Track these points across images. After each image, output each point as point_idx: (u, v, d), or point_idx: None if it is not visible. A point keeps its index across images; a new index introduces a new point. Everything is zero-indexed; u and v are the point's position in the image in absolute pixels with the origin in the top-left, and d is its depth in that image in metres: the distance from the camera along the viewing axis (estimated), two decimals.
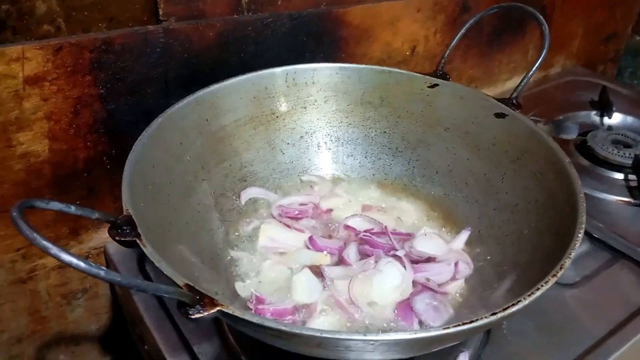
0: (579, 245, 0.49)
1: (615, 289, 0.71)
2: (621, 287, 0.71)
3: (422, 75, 0.74)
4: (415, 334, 0.40)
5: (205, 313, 0.41)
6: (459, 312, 0.58)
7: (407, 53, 0.93)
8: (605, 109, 1.03)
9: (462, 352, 0.61)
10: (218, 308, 0.41)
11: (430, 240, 0.66)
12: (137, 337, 0.74)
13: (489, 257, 0.63)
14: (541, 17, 0.67)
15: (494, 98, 0.70)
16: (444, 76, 0.74)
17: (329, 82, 0.76)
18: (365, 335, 0.40)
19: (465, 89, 0.72)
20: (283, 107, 0.75)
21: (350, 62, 0.78)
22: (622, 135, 0.96)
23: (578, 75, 1.18)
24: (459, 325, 0.41)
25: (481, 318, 0.41)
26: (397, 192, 0.76)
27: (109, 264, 0.74)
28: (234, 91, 0.71)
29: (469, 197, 0.70)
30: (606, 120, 1.03)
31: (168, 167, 0.62)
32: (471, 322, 0.41)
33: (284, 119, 0.76)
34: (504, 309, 0.42)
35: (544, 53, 0.68)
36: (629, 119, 1.03)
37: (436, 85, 0.74)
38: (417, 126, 0.76)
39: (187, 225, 0.62)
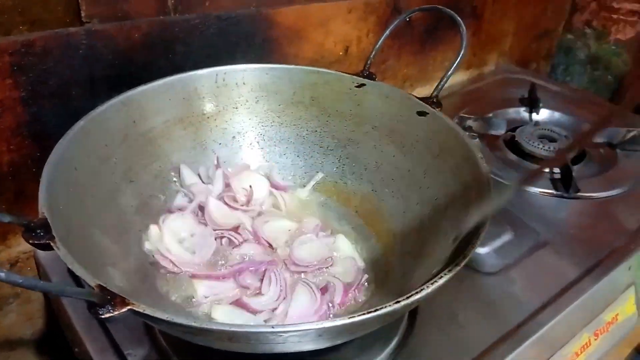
0: (483, 235, 0.51)
1: (537, 275, 0.74)
2: (542, 273, 0.75)
3: (349, 75, 0.76)
4: (322, 323, 0.42)
5: (116, 312, 0.42)
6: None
7: (340, 53, 0.95)
8: (533, 106, 1.08)
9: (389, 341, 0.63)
10: (129, 307, 0.42)
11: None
12: (69, 340, 0.73)
13: (410, 250, 0.66)
14: (458, 19, 0.69)
15: (416, 97, 0.72)
16: (371, 76, 0.76)
17: (260, 82, 0.77)
18: (273, 327, 0.42)
19: (390, 88, 0.74)
20: (214, 107, 0.76)
21: (284, 63, 0.79)
22: (548, 130, 1.00)
23: (511, 73, 1.23)
24: (363, 314, 0.43)
25: (386, 306, 0.43)
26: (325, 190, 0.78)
27: (39, 268, 0.74)
28: (163, 92, 0.71)
29: (394, 192, 0.72)
30: (534, 116, 1.08)
31: (93, 169, 0.62)
32: (375, 310, 0.43)
33: (215, 119, 0.77)
34: (408, 297, 0.44)
35: (461, 53, 0.70)
36: (556, 115, 1.08)
37: (363, 84, 0.76)
38: (347, 125, 0.78)
39: (113, 227, 0.62)
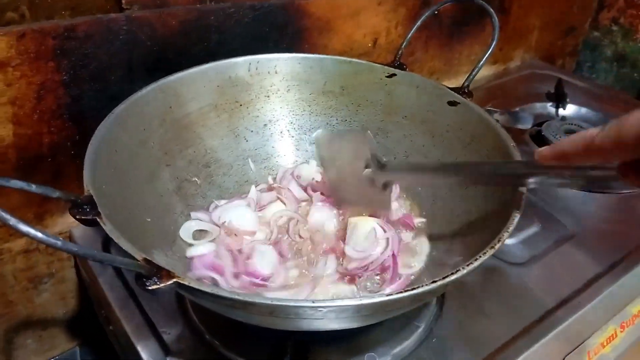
0: (516, 221, 0.52)
1: (564, 267, 0.75)
2: (569, 265, 0.75)
3: (380, 65, 0.77)
4: (361, 300, 0.43)
5: (162, 284, 0.43)
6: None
7: (369, 45, 0.96)
8: (560, 101, 1.08)
9: (416, 326, 0.64)
10: (174, 280, 0.43)
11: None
12: (103, 318, 0.75)
13: (439, 236, 0.66)
14: (490, 9, 0.70)
15: (447, 87, 0.73)
16: (401, 66, 0.77)
17: (292, 71, 0.78)
18: (313, 302, 0.43)
19: (421, 78, 0.75)
20: (246, 95, 0.77)
21: (313, 53, 0.80)
22: (575, 125, 1.00)
23: (536, 69, 1.23)
24: (401, 292, 0.44)
25: (422, 285, 0.44)
26: None
27: None
28: (198, 79, 0.73)
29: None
30: (561, 111, 1.08)
31: (132, 152, 0.64)
32: (412, 289, 0.44)
33: (247, 107, 0.78)
34: (444, 277, 0.45)
35: (493, 44, 0.71)
36: (583, 110, 1.08)
37: (394, 75, 0.77)
38: (377, 114, 0.79)
39: (152, 209, 0.64)
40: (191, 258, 0.65)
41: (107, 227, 0.48)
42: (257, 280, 0.63)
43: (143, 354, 0.62)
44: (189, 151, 0.72)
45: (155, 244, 0.60)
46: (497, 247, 0.49)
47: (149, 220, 0.61)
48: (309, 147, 0.81)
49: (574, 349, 0.68)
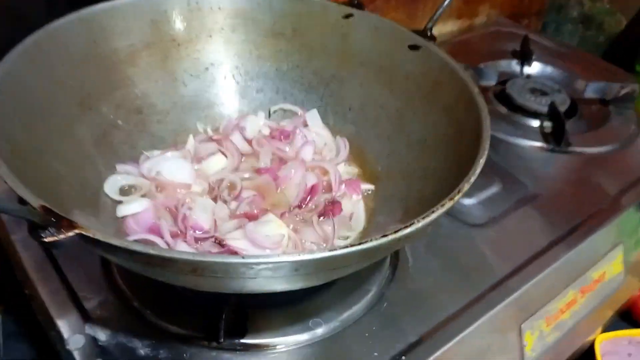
0: (479, 171, 0.47)
1: (523, 229, 0.70)
2: (529, 227, 0.71)
3: (336, 4, 0.70)
4: (299, 255, 0.37)
5: (61, 236, 0.36)
6: None
7: None
8: (525, 58, 1.03)
9: (367, 290, 0.59)
10: (76, 231, 0.36)
11: None
12: (20, 282, 0.67)
13: (394, 193, 0.61)
14: None
15: (409, 29, 0.66)
16: (360, 6, 0.70)
17: (237, 8, 0.70)
18: (243, 257, 0.36)
19: (380, 19, 0.68)
20: (185, 34, 0.69)
21: None
22: (540, 83, 0.96)
23: (502, 26, 1.17)
24: (348, 247, 0.38)
25: (371, 240, 0.38)
26: None
27: None
28: (128, 11, 0.64)
29: (380, 134, 0.67)
30: (526, 69, 1.03)
31: (47, 92, 0.56)
32: (360, 243, 0.38)
33: (186, 48, 0.70)
34: (396, 231, 0.39)
35: None
36: (548, 69, 1.03)
37: (351, 15, 0.69)
38: (331, 60, 0.71)
39: (70, 161, 0.56)
40: (123, 218, 0.58)
41: (2, 170, 0.40)
42: (200, 234, 0.56)
43: (59, 321, 0.55)
44: (116, 94, 0.64)
45: (76, 203, 0.53)
46: (456, 198, 0.44)
47: (65, 174, 0.53)
48: (255, 95, 0.73)
49: (531, 315, 0.63)
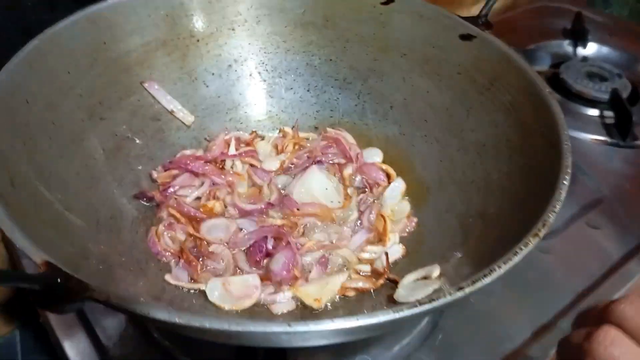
0: (564, 195, 0.39)
1: (591, 241, 0.62)
2: (597, 238, 0.63)
3: None
4: (358, 320, 0.30)
5: (67, 306, 0.30)
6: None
7: None
8: (579, 38, 0.93)
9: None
10: (87, 294, 0.30)
11: None
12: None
13: (448, 207, 0.53)
14: None
15: (460, 17, 0.58)
16: None
17: None
18: (290, 325, 0.29)
19: (425, 4, 0.60)
20: (205, 28, 0.62)
21: None
22: (597, 67, 0.86)
23: (549, 1, 1.07)
24: (415, 306, 0.30)
25: (445, 294, 0.31)
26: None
27: None
28: (140, 6, 0.57)
29: (428, 135, 0.59)
30: (580, 50, 0.93)
31: (51, 103, 0.49)
32: (430, 301, 0.31)
33: (206, 44, 0.62)
34: (473, 282, 0.32)
35: None
36: (604, 50, 0.93)
37: (391, 1, 0.61)
38: (369, 52, 0.63)
39: (77, 177, 0.49)
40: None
41: None
42: None
43: (73, 358, 0.49)
44: (130, 100, 0.57)
45: (79, 224, 0.46)
46: (540, 233, 0.36)
47: (71, 192, 0.46)
48: (285, 94, 0.66)
49: None
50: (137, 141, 0.57)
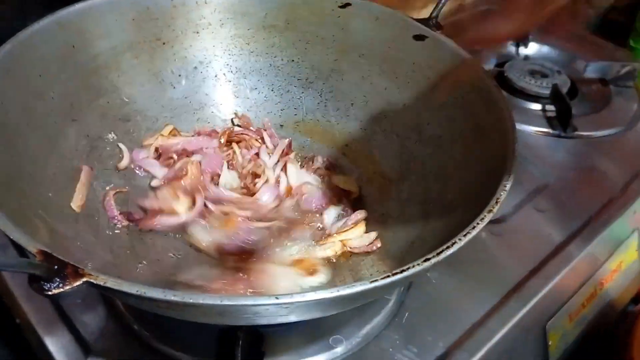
0: (512, 179, 0.43)
1: (537, 225, 0.67)
2: (542, 223, 0.68)
3: None
4: (338, 291, 0.33)
5: (67, 286, 0.31)
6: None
7: None
8: (521, 39, 0.99)
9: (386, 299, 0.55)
10: (85, 279, 0.32)
11: None
12: (9, 309, 0.62)
13: (410, 196, 0.57)
14: None
15: (413, 19, 0.62)
16: None
17: (225, 1, 0.65)
18: (277, 297, 0.32)
19: (381, 8, 0.64)
20: (170, 31, 0.64)
21: None
22: (538, 65, 0.92)
23: (492, 4, 1.13)
24: (388, 276, 0.34)
25: (413, 266, 0.35)
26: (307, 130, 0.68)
27: None
28: (107, 11, 0.59)
29: (387, 130, 0.63)
30: (522, 50, 0.99)
31: (25, 106, 0.50)
32: (402, 271, 0.34)
33: (172, 46, 0.64)
34: (438, 254, 0.36)
35: None
36: (545, 49, 1.00)
37: (348, 4, 0.65)
38: (329, 53, 0.67)
39: (54, 177, 0.50)
40: None
41: None
42: None
43: (56, 355, 0.50)
44: (100, 102, 0.58)
45: (59, 219, 0.48)
46: (495, 209, 0.40)
47: (49, 191, 0.48)
48: (249, 94, 0.68)
49: (554, 315, 0.61)
50: (109, 141, 0.58)
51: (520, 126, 0.80)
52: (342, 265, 0.54)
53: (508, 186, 0.41)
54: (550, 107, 0.85)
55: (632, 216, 0.71)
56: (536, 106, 0.86)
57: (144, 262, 0.52)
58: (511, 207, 0.69)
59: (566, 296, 0.63)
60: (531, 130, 0.81)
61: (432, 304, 0.57)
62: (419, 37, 0.61)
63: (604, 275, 0.67)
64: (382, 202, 0.60)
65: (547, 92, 0.86)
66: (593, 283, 0.66)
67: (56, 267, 0.32)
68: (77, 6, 0.56)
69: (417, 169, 0.58)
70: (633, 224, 0.72)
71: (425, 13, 1.04)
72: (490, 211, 0.39)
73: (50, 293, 0.31)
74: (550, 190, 0.72)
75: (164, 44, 0.63)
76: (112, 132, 0.59)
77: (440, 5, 0.61)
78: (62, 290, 0.31)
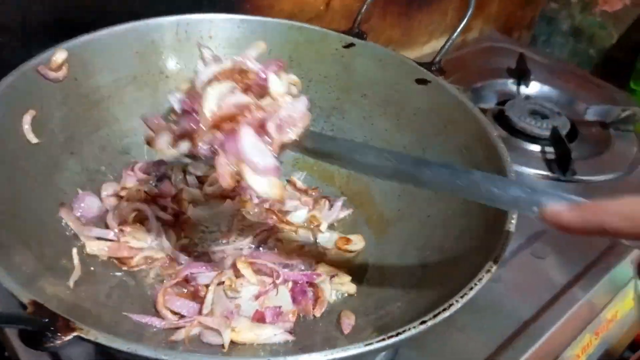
0: (513, 231, 0.43)
1: (537, 270, 0.67)
2: (542, 268, 0.68)
3: (336, 33, 0.66)
4: (333, 354, 0.32)
5: (58, 341, 0.31)
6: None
7: (321, 8, 0.84)
8: (522, 78, 1.00)
9: None
10: (76, 333, 0.31)
11: None
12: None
13: (408, 240, 0.56)
14: None
15: (416, 62, 0.62)
16: (361, 35, 0.66)
17: (229, 37, 0.65)
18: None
19: (384, 50, 0.64)
20: (174, 65, 0.64)
21: (256, 14, 0.67)
22: (539, 105, 0.93)
23: (495, 42, 1.14)
24: (383, 339, 0.33)
25: (409, 329, 0.34)
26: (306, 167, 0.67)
27: None
28: (112, 44, 0.59)
29: None
30: (523, 89, 1.00)
31: (25, 140, 0.50)
32: (397, 334, 0.34)
33: (176, 80, 0.64)
34: (435, 315, 0.35)
35: (470, 12, 0.61)
36: (545, 88, 1.00)
37: (352, 45, 0.65)
38: (331, 91, 0.67)
39: (50, 212, 0.50)
40: None
41: None
42: None
43: None
44: (99, 134, 0.58)
45: (52, 256, 0.47)
46: (493, 269, 0.40)
47: (49, 228, 0.47)
48: None
49: None
50: (108, 175, 0.58)
51: (518, 168, 0.81)
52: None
53: (507, 245, 0.41)
54: (549, 149, 0.85)
55: (629, 265, 0.70)
56: (535, 147, 0.86)
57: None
58: (509, 252, 0.68)
59: (563, 345, 0.62)
60: (530, 172, 0.81)
61: (429, 350, 0.56)
62: (421, 81, 0.61)
63: (600, 324, 0.67)
64: (377, 242, 0.59)
65: (547, 133, 0.86)
66: (589, 333, 0.65)
67: (47, 320, 0.31)
68: (81, 38, 0.57)
69: (415, 213, 0.57)
70: (631, 273, 0.71)
71: (428, 48, 1.06)
72: (488, 271, 0.39)
73: (47, 346, 0.31)
74: (549, 235, 0.72)
75: (167, 77, 0.64)
76: (111, 165, 0.59)
77: (444, 50, 0.62)
78: (52, 345, 0.31)
